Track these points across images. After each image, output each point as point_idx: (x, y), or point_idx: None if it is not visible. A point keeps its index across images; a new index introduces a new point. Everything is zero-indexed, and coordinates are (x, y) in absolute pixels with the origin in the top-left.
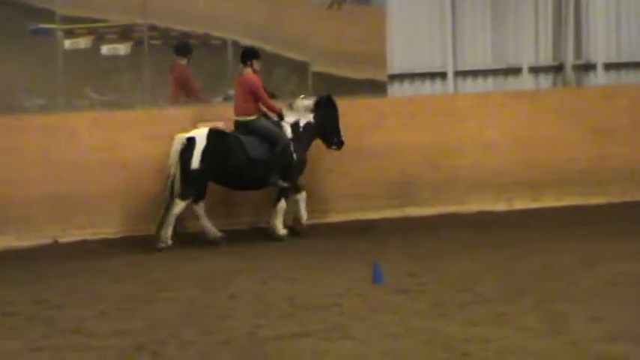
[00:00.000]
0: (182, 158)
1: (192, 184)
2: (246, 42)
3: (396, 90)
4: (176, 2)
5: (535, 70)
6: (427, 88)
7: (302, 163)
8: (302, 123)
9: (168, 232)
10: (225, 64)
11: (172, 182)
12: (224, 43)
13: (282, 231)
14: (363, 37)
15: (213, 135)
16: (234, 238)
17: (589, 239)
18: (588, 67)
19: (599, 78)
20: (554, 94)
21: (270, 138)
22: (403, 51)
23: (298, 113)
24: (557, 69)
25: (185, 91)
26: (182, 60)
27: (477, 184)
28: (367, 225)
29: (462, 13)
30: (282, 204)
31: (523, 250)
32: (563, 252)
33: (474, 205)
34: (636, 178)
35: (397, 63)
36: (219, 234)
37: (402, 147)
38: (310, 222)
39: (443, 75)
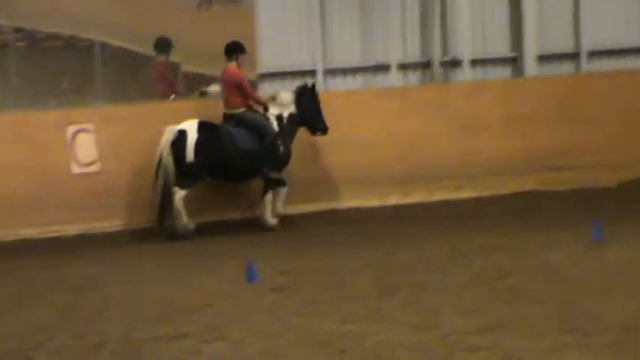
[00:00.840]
0: (174, 150)
1: (188, 176)
2: (116, 43)
3: (266, 89)
4: (43, 4)
5: (403, 67)
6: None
7: (287, 155)
8: (285, 115)
9: (184, 219)
10: (93, 65)
11: (165, 173)
12: (92, 44)
13: (271, 221)
14: (232, 37)
15: (204, 127)
16: (108, 240)
17: (459, 233)
18: (455, 64)
19: (466, 74)
20: (423, 90)
21: (259, 130)
22: (273, 50)
23: (281, 106)
24: (425, 65)
25: (165, 87)
26: (161, 56)
27: (350, 180)
28: (241, 224)
29: (330, 12)
30: (270, 195)
31: (396, 245)
32: (435, 246)
33: (347, 202)
34: (504, 173)
35: (267, 62)
36: (191, 225)
37: None
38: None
39: (313, 73)
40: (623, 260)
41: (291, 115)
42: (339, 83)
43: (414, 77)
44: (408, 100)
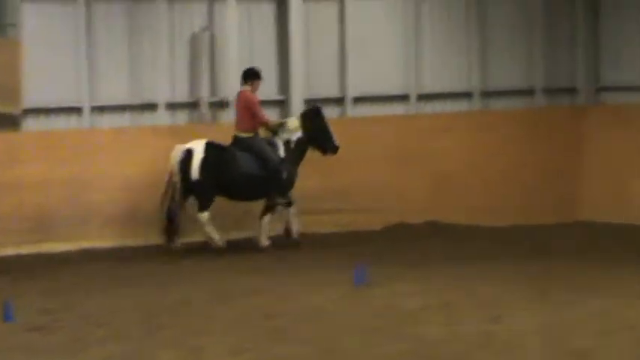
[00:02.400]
0: (181, 169)
1: (198, 194)
2: None
3: (30, 124)
4: None
5: (172, 107)
6: (63, 122)
7: (292, 179)
8: (293, 139)
9: (216, 238)
10: None
11: (173, 190)
12: None
13: (265, 242)
14: None
15: (211, 147)
16: None
17: (225, 274)
18: (223, 104)
19: (233, 114)
20: (190, 129)
21: (262, 156)
22: (39, 85)
23: (289, 132)
24: (193, 105)
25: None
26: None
27: (113, 218)
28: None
29: (98, 49)
30: (268, 217)
31: (162, 285)
32: (200, 287)
33: (110, 240)
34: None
35: (33, 97)
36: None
37: (38, 182)
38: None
39: (79, 110)
40: (386, 302)
41: (298, 140)
42: (106, 120)
43: (182, 116)
44: (175, 139)
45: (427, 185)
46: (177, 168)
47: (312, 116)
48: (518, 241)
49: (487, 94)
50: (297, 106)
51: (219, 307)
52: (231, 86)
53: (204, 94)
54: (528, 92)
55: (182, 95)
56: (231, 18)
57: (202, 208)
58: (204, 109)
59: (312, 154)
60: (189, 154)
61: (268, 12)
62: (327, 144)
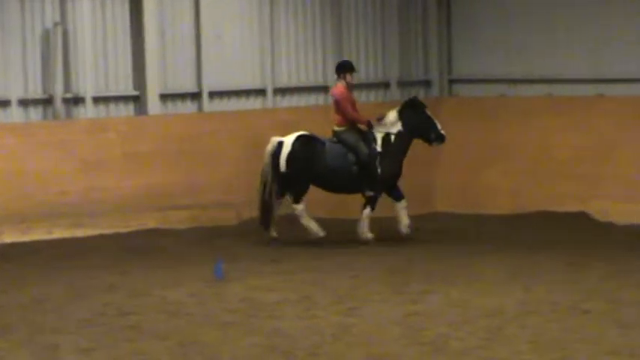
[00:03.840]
0: (273, 160)
1: (287, 186)
2: None
3: None
4: None
5: (24, 103)
6: None
7: (392, 173)
8: (393, 133)
9: (313, 230)
10: None
11: (265, 181)
12: None
13: (367, 234)
14: None
15: (299, 141)
16: None
17: (79, 271)
18: (78, 100)
19: (89, 111)
20: (44, 127)
21: (353, 150)
22: None
23: (389, 126)
24: (47, 102)
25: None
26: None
27: None
28: None
29: None
30: (367, 211)
31: (13, 284)
32: (55, 285)
33: None
34: (126, 210)
35: None
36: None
37: None
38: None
39: None
40: (244, 296)
41: (399, 133)
42: None
43: (35, 114)
44: (28, 137)
45: None
46: (269, 160)
47: (412, 107)
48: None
49: None
50: (153, 102)
51: (74, 304)
52: (86, 82)
53: (58, 90)
54: (384, 85)
55: (35, 92)
56: (84, 13)
57: (295, 200)
58: (59, 106)
59: None
60: (279, 146)
61: (122, 7)
62: (431, 134)
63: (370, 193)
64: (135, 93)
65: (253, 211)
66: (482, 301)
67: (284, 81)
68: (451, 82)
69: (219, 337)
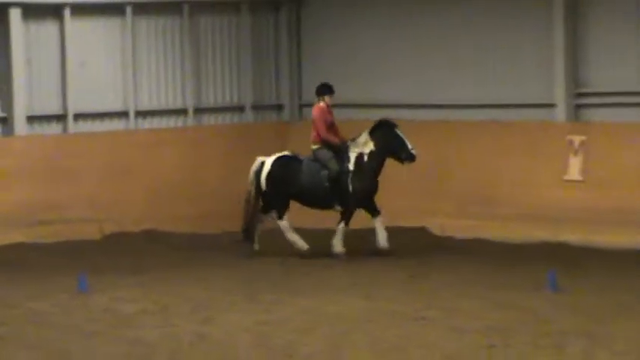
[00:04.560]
0: (255, 179)
1: (269, 203)
2: None
3: None
4: None
5: None
6: None
7: (363, 190)
8: (366, 153)
9: (298, 244)
10: None
11: (248, 198)
12: None
13: (338, 249)
14: None
15: (278, 161)
16: None
17: None
18: None
19: None
20: None
21: (325, 167)
22: None
23: (361, 146)
24: None
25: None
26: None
27: None
28: None
29: None
30: (341, 225)
31: None
32: None
33: None
34: None
35: None
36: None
37: None
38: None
39: None
40: (106, 307)
41: (371, 152)
42: None
43: None
44: None
45: (144, 196)
46: (252, 178)
47: (383, 128)
48: (224, 248)
49: (200, 111)
50: (20, 123)
51: None
52: None
53: None
54: (239, 109)
55: None
56: None
57: (279, 216)
58: None
59: None
60: (261, 166)
61: None
62: (401, 154)
63: (339, 209)
64: (2, 115)
65: (116, 227)
66: (328, 309)
67: (145, 104)
68: (301, 106)
69: (84, 346)
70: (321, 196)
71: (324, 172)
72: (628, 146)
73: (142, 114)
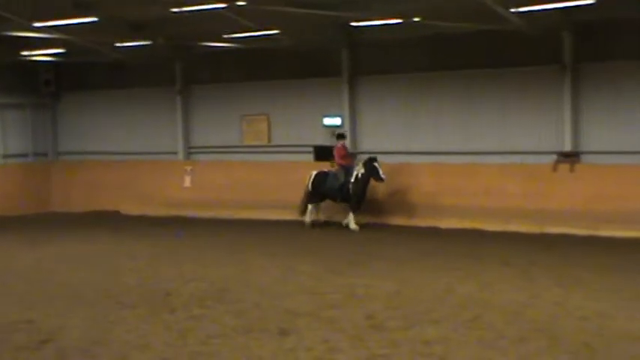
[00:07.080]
0: (308, 183)
1: (311, 198)
2: None
3: None
4: None
5: None
6: None
7: (356, 194)
8: (360, 173)
9: (307, 219)
10: None
11: (305, 194)
12: None
13: (352, 226)
14: None
15: (318, 174)
16: None
17: None
18: None
19: None
20: None
21: (338, 179)
22: None
23: (358, 169)
24: None
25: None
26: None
27: None
28: None
29: None
30: (351, 214)
31: None
32: None
33: None
34: None
35: None
36: (308, 222)
37: None
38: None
39: None
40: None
41: (362, 174)
42: None
43: None
44: None
45: None
46: (308, 182)
47: (368, 162)
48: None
49: None
50: None
51: None
52: None
53: None
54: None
55: None
56: None
57: (311, 202)
58: None
59: None
60: (310, 176)
61: None
62: (377, 176)
63: (339, 202)
64: None
65: None
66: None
67: None
68: (59, 153)
69: None
70: (336, 195)
71: (339, 181)
72: None
73: None
